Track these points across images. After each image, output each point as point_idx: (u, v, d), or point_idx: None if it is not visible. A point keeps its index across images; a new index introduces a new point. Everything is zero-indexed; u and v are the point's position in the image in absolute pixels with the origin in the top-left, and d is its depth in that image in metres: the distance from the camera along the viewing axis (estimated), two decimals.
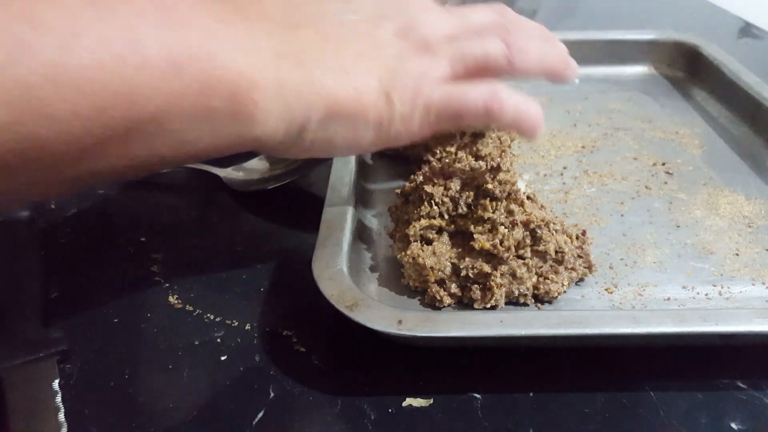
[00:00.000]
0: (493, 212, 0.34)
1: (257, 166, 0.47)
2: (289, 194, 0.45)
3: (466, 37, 0.34)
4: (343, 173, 0.40)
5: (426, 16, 0.34)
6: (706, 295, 0.35)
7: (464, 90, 0.32)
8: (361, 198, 0.42)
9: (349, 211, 0.37)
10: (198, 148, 0.28)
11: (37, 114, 0.22)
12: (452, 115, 0.32)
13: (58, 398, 0.30)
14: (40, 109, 0.22)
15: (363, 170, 0.45)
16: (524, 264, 0.34)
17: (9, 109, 0.22)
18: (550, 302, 0.34)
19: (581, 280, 0.36)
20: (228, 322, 0.34)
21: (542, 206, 0.37)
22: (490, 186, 0.34)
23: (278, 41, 0.29)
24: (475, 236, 0.34)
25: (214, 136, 0.28)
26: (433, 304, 0.34)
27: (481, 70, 0.34)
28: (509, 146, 0.47)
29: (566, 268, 0.35)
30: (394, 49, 0.32)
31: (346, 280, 0.32)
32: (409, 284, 0.35)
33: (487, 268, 0.33)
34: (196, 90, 0.26)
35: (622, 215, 0.42)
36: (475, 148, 0.45)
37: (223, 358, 0.32)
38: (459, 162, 0.41)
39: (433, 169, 0.37)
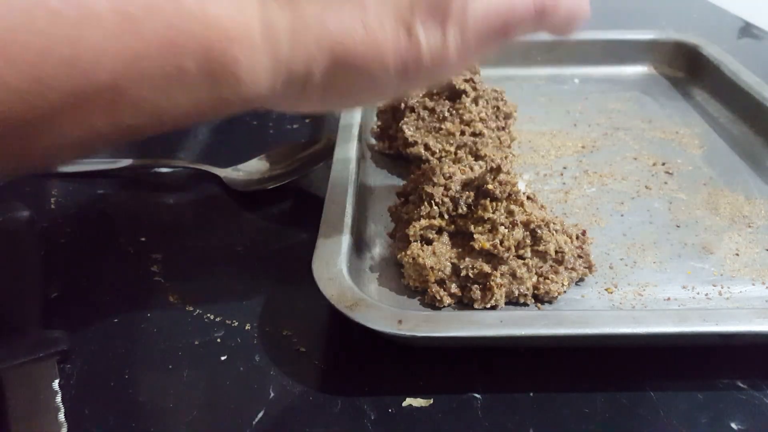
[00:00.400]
0: (493, 212, 0.34)
1: (257, 166, 0.47)
2: (289, 194, 0.45)
3: None
4: (343, 173, 0.40)
5: None
6: (706, 295, 0.35)
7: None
8: (361, 198, 0.42)
9: (349, 211, 0.37)
10: (177, 114, 0.23)
11: None
12: (498, 28, 0.27)
13: (58, 398, 0.30)
14: None
15: (363, 170, 0.45)
16: (524, 264, 0.34)
17: None
18: (550, 302, 0.34)
19: (581, 280, 0.36)
20: (228, 322, 0.34)
21: (542, 206, 0.37)
22: (490, 186, 0.34)
23: None
24: (475, 236, 0.34)
25: (193, 101, 0.23)
26: (433, 304, 0.34)
27: None
28: (509, 146, 0.47)
29: (566, 268, 0.35)
30: None
31: (346, 280, 0.32)
32: (409, 284, 0.35)
33: (487, 268, 0.33)
34: (159, 48, 0.21)
35: (622, 215, 0.42)
36: (475, 148, 0.45)
37: (223, 358, 0.32)
38: (459, 162, 0.41)
39: (432, 169, 0.37)
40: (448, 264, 0.34)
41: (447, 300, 0.34)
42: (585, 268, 0.36)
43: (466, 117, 0.45)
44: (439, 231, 0.36)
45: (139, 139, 0.24)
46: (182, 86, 0.22)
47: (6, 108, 0.19)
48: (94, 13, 0.20)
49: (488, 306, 0.33)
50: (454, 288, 0.34)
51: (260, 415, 0.29)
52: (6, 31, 0.19)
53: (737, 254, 0.38)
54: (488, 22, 0.27)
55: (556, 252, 0.34)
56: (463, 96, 0.46)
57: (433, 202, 0.35)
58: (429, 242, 0.35)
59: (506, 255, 0.33)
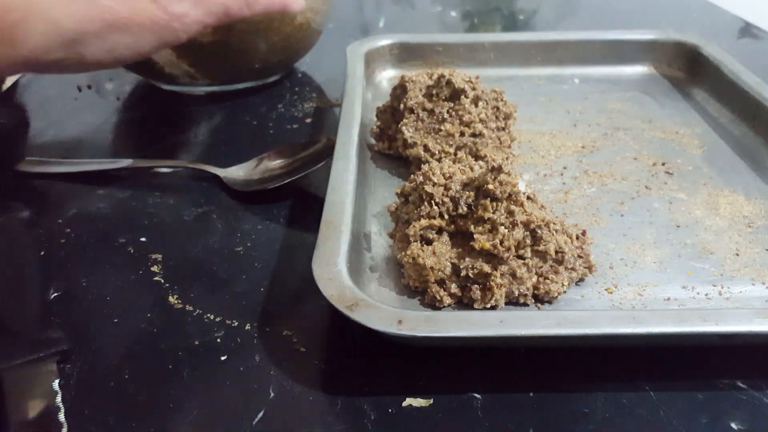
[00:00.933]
0: (494, 212, 0.34)
1: (257, 166, 0.47)
2: (289, 194, 0.45)
3: None
4: (343, 173, 0.40)
5: None
6: (706, 295, 0.35)
7: None
8: (361, 198, 0.42)
9: (349, 211, 0.37)
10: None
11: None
12: (220, 10, 0.41)
13: (58, 398, 0.30)
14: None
15: (363, 170, 0.45)
16: (524, 264, 0.34)
17: None
18: (550, 302, 0.34)
19: (581, 280, 0.36)
20: (228, 322, 0.34)
21: (542, 206, 0.37)
22: (490, 186, 0.34)
23: None
24: (475, 236, 0.34)
25: None
26: (433, 304, 0.34)
27: None
28: (509, 146, 0.48)
29: (566, 268, 0.35)
30: None
31: (346, 280, 0.32)
32: (409, 284, 0.35)
33: (487, 268, 0.33)
34: None
35: (622, 215, 0.42)
36: (475, 149, 0.45)
37: (223, 358, 0.32)
38: (459, 162, 0.41)
39: (432, 169, 0.37)
40: (448, 264, 0.34)
41: (447, 300, 0.34)
42: (585, 268, 0.36)
43: (466, 118, 0.45)
44: (439, 231, 0.36)
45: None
46: None
47: None
48: None
49: (488, 306, 0.33)
50: (454, 288, 0.34)
51: (260, 415, 0.29)
52: None
53: (737, 254, 0.38)
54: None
55: (556, 252, 0.34)
56: (463, 97, 0.46)
57: (433, 202, 0.35)
58: (429, 242, 0.35)
59: (506, 255, 0.33)
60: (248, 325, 0.34)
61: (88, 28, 0.35)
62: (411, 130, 0.46)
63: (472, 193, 0.35)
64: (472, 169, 0.37)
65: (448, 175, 0.36)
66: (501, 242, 0.33)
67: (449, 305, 0.34)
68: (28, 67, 0.37)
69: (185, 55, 0.55)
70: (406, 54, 0.63)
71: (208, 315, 0.35)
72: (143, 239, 0.41)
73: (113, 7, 0.36)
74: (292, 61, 0.64)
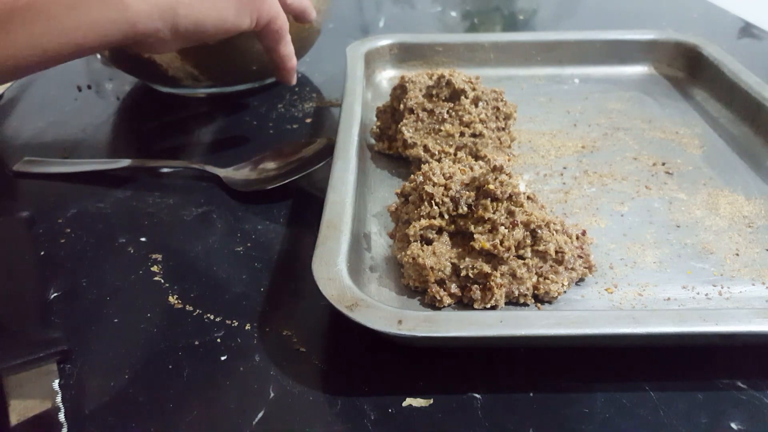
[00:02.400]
0: (494, 212, 0.34)
1: (257, 166, 0.47)
2: (289, 194, 0.45)
3: None
4: (343, 173, 0.40)
5: None
6: (706, 295, 0.35)
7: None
8: (361, 198, 0.42)
9: (349, 211, 0.37)
10: (79, 36, 0.33)
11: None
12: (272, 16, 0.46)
13: (58, 398, 0.30)
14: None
15: (363, 170, 0.45)
16: (524, 264, 0.34)
17: None
18: (550, 302, 0.34)
19: (581, 280, 0.36)
20: (228, 322, 0.34)
21: (542, 206, 0.37)
22: (491, 186, 0.34)
23: None
24: (475, 236, 0.34)
25: (91, 23, 0.33)
26: (433, 304, 0.34)
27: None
28: (509, 147, 0.48)
29: (566, 268, 0.35)
30: None
31: (346, 280, 0.32)
32: (409, 284, 0.35)
33: (487, 268, 0.33)
34: None
35: (622, 215, 0.42)
36: (475, 149, 0.45)
37: (223, 358, 0.32)
38: (459, 162, 0.41)
39: (432, 169, 0.37)
40: (448, 264, 0.34)
41: (447, 300, 0.34)
42: (585, 268, 0.36)
43: (466, 118, 0.45)
44: (439, 231, 0.36)
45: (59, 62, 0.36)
46: (81, 7, 0.32)
47: None
48: None
49: (488, 306, 0.33)
50: (454, 288, 0.34)
51: (260, 415, 0.29)
52: None
53: (737, 254, 0.38)
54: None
55: (556, 252, 0.34)
56: (463, 97, 0.46)
57: (433, 202, 0.35)
58: (429, 242, 0.35)
59: (506, 255, 0.33)
60: (248, 325, 0.34)
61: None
62: (411, 131, 0.46)
63: (472, 193, 0.35)
64: (472, 169, 0.37)
65: (448, 175, 0.36)
66: (501, 242, 0.33)
67: (449, 305, 0.34)
68: (134, 37, 0.38)
69: (188, 57, 0.55)
70: (406, 54, 0.63)
71: (208, 315, 0.35)
72: (143, 239, 0.41)
73: None
74: None
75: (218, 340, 0.33)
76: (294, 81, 0.51)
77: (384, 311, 0.30)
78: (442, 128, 0.45)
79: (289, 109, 0.59)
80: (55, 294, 0.36)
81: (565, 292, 0.35)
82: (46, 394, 0.30)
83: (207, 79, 0.58)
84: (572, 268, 0.35)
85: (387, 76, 0.63)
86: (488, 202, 0.34)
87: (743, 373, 0.31)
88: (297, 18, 0.52)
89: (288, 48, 0.48)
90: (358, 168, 0.42)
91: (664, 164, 0.47)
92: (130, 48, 0.41)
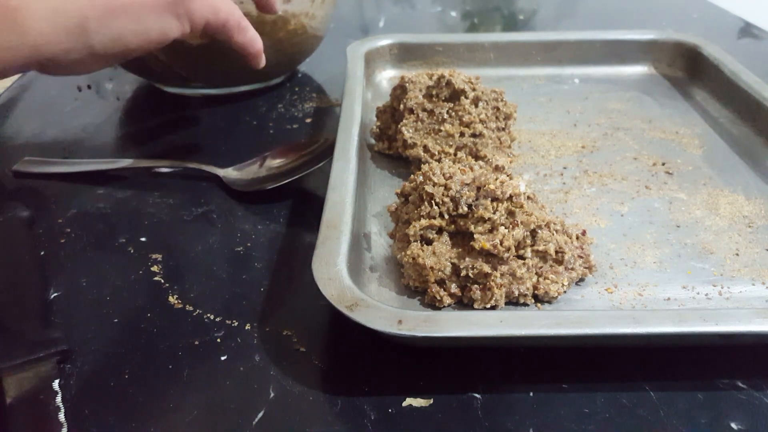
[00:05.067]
0: (494, 212, 0.34)
1: (257, 166, 0.47)
2: (289, 194, 0.45)
3: None
4: (343, 173, 0.40)
5: None
6: (706, 295, 0.35)
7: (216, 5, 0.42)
8: (361, 198, 0.42)
9: (349, 211, 0.37)
10: None
11: None
12: (210, 17, 0.42)
13: (58, 398, 0.30)
14: None
15: (363, 170, 0.45)
16: (524, 264, 0.34)
17: None
18: (550, 302, 0.34)
19: (581, 280, 0.36)
20: (228, 322, 0.34)
21: (542, 206, 0.37)
22: (491, 186, 0.34)
23: None
24: (475, 236, 0.34)
25: None
26: (433, 304, 0.34)
27: None
28: (509, 147, 0.47)
29: (566, 268, 0.35)
30: None
31: (346, 280, 0.32)
32: (409, 284, 0.35)
33: (487, 268, 0.33)
34: None
35: (622, 215, 0.42)
36: (475, 149, 0.45)
37: (223, 358, 0.32)
38: (459, 162, 0.41)
39: (432, 169, 0.37)
40: (448, 264, 0.34)
41: (447, 300, 0.34)
42: (585, 268, 0.36)
43: (466, 118, 0.45)
44: (439, 231, 0.36)
45: None
46: None
47: None
48: None
49: (488, 306, 0.33)
50: (454, 288, 0.34)
51: (260, 415, 0.29)
52: None
53: (737, 254, 0.38)
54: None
55: (556, 252, 0.34)
56: (462, 97, 0.46)
57: (433, 202, 0.35)
58: (429, 242, 0.35)
59: (506, 255, 0.33)
60: (248, 325, 0.34)
61: (90, 13, 0.34)
62: (411, 131, 0.46)
63: (472, 193, 0.35)
64: (472, 169, 0.37)
65: (448, 175, 0.36)
66: (501, 242, 0.33)
67: (449, 305, 0.34)
68: (40, 61, 0.35)
69: (178, 58, 0.54)
70: (406, 54, 0.63)
71: (208, 315, 0.35)
72: (143, 239, 0.41)
73: None
74: (292, 65, 0.64)
75: (218, 340, 0.33)
76: (262, 64, 0.47)
77: (384, 311, 0.30)
78: (442, 128, 0.45)
79: (289, 109, 0.59)
80: (55, 294, 0.36)
81: (565, 292, 0.35)
82: (46, 394, 0.30)
83: (197, 81, 0.58)
84: (572, 268, 0.35)
85: (387, 76, 0.63)
86: (488, 202, 0.34)
87: (743, 373, 0.31)
88: (259, 7, 0.47)
89: (245, 36, 0.44)
90: (358, 168, 0.42)
91: (664, 164, 0.47)
92: (46, 71, 0.38)
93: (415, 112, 0.46)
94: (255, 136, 0.54)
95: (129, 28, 0.37)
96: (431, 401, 0.30)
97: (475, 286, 0.33)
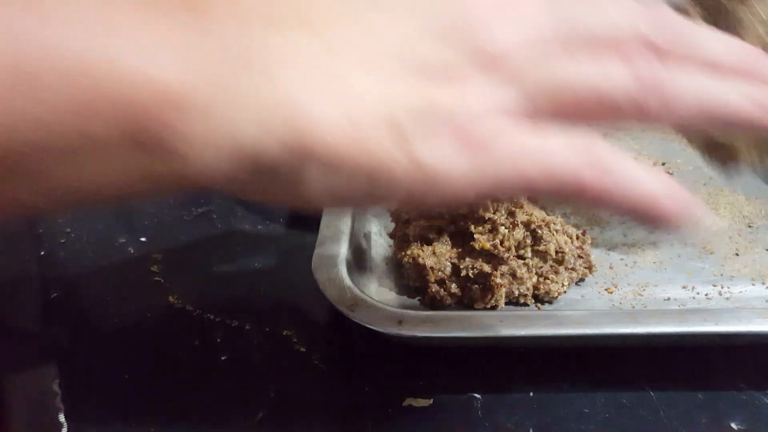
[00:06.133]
0: (494, 212, 0.34)
1: None
2: None
3: (568, 52, 0.20)
4: None
5: (498, 8, 0.20)
6: (706, 295, 0.35)
7: (542, 145, 0.20)
8: None
9: (349, 211, 0.37)
10: (100, 190, 0.19)
11: None
12: (519, 181, 0.19)
13: (58, 398, 0.30)
14: None
15: None
16: (524, 264, 0.34)
17: None
18: (550, 302, 0.34)
19: (581, 280, 0.36)
20: (228, 322, 0.34)
21: (542, 206, 0.37)
22: None
23: (236, 39, 0.18)
24: (475, 236, 0.34)
25: (118, 175, 0.18)
26: (433, 304, 0.34)
27: (580, 110, 0.21)
28: None
29: (566, 268, 0.35)
30: (430, 58, 0.19)
31: (346, 280, 0.31)
32: (409, 284, 0.35)
33: (487, 268, 0.33)
34: (67, 115, 0.17)
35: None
36: None
37: (223, 358, 0.32)
38: None
39: None
40: (448, 264, 0.34)
41: (447, 300, 0.34)
42: (585, 268, 0.35)
43: None
44: (439, 231, 0.36)
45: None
46: (98, 157, 0.18)
47: None
48: (6, 66, 0.16)
49: (488, 306, 0.33)
50: (454, 288, 0.34)
51: (260, 415, 0.29)
52: None
53: (737, 254, 0.38)
54: (508, 169, 0.19)
55: (556, 252, 0.34)
56: None
57: None
58: (429, 242, 0.35)
59: (506, 255, 0.33)
60: (248, 325, 0.34)
61: (275, 152, 0.18)
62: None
63: None
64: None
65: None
66: (501, 242, 0.33)
67: (449, 305, 0.34)
68: (202, 187, 0.20)
69: None
70: None
71: (208, 315, 0.35)
72: (143, 239, 0.41)
73: (325, 127, 0.18)
74: None
75: (218, 340, 0.33)
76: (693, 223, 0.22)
77: (384, 311, 0.30)
78: None
79: None
80: (55, 294, 0.36)
81: (565, 292, 0.35)
82: (46, 394, 0.30)
83: None
84: (572, 268, 0.35)
85: None
86: (488, 201, 0.34)
87: (743, 373, 0.31)
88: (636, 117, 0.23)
89: (633, 177, 0.21)
90: None
91: (664, 164, 0.47)
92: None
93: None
94: None
95: (324, 184, 0.19)
96: (431, 401, 0.30)
97: (475, 286, 0.33)
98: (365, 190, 0.19)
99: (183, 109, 0.17)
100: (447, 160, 0.19)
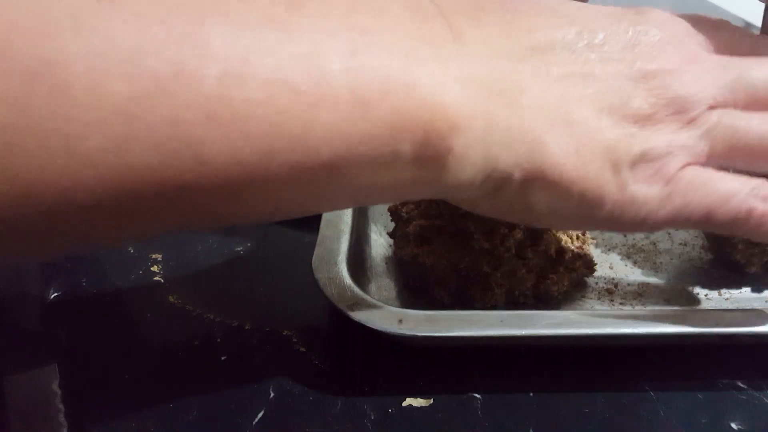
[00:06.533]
0: None
1: None
2: None
3: (741, 105, 0.25)
4: None
5: (688, 67, 0.24)
6: (706, 295, 0.35)
7: (721, 180, 0.24)
8: None
9: (349, 211, 0.37)
10: (371, 196, 0.23)
11: (187, 158, 0.18)
12: (698, 210, 0.24)
13: (58, 399, 0.30)
14: (193, 152, 0.18)
15: None
16: (524, 264, 0.34)
17: (155, 151, 0.17)
18: (550, 302, 0.34)
19: (581, 280, 0.36)
20: (228, 322, 0.34)
21: None
22: None
23: (494, 73, 0.23)
24: (475, 236, 0.34)
25: (393, 184, 0.22)
26: (433, 304, 0.34)
27: (751, 158, 0.25)
28: None
29: (566, 268, 0.35)
30: (638, 105, 0.24)
31: (346, 280, 0.32)
32: (409, 284, 0.35)
33: (487, 268, 0.33)
34: (384, 134, 0.20)
35: None
36: None
37: (223, 358, 0.32)
38: None
39: None
40: (448, 264, 0.34)
41: (447, 300, 0.34)
42: (585, 268, 0.35)
43: None
44: (439, 230, 0.35)
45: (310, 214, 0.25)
46: (390, 169, 0.21)
47: (225, 178, 0.19)
48: (331, 94, 0.19)
49: (488, 306, 0.33)
50: (454, 288, 0.34)
51: (260, 415, 0.29)
52: (244, 102, 0.18)
53: None
54: (692, 199, 0.24)
55: (557, 252, 0.34)
56: None
57: (433, 201, 0.35)
58: (429, 242, 0.35)
59: (506, 255, 0.33)
60: (248, 325, 0.34)
61: (513, 172, 0.23)
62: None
63: None
64: None
65: None
66: (501, 242, 0.33)
67: (449, 305, 0.34)
68: (431, 195, 0.25)
69: None
70: None
71: (208, 315, 0.35)
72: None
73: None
74: None
75: (218, 340, 0.33)
76: None
77: (384, 311, 0.30)
78: None
79: None
80: (55, 294, 0.36)
81: (565, 292, 0.35)
82: (46, 394, 0.30)
83: None
84: (572, 268, 0.35)
85: None
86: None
87: (743, 373, 0.31)
88: None
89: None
90: None
91: None
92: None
93: None
94: None
95: (546, 204, 0.24)
96: (431, 401, 0.30)
97: (475, 286, 0.33)
98: (578, 209, 0.24)
99: (461, 131, 0.21)
100: (645, 188, 0.24)
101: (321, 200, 0.23)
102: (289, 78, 0.19)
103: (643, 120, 0.24)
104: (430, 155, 0.21)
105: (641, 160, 0.23)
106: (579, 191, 0.23)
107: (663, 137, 0.24)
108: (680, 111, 0.24)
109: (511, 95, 0.22)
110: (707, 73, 0.25)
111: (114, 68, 0.17)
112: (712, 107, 0.25)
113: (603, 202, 0.24)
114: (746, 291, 0.35)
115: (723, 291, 0.35)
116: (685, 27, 0.25)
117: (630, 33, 0.24)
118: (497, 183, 0.23)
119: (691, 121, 0.24)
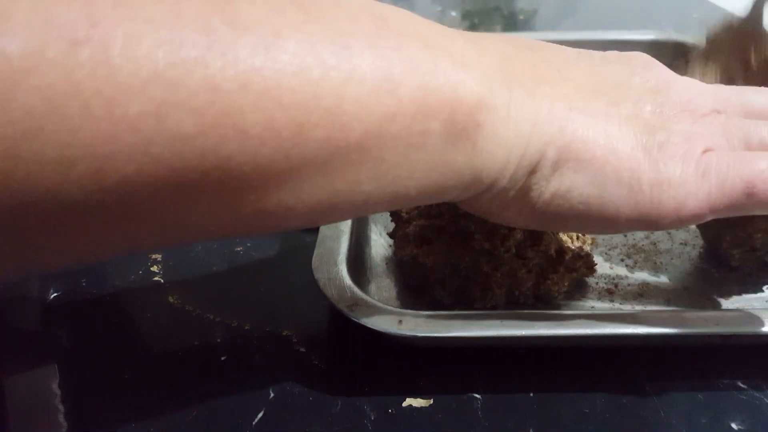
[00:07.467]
0: None
1: None
2: None
3: (742, 115, 0.27)
4: None
5: (687, 85, 0.27)
6: (706, 295, 0.35)
7: (754, 156, 0.24)
8: None
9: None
10: (408, 186, 0.23)
11: (225, 126, 0.18)
12: (738, 186, 0.24)
13: (58, 399, 0.30)
14: (230, 120, 0.18)
15: None
16: (524, 264, 0.34)
17: (194, 118, 0.18)
18: (550, 302, 0.34)
19: (581, 280, 0.36)
20: (228, 322, 0.34)
21: None
22: None
23: (513, 63, 0.24)
24: (475, 236, 0.34)
25: (427, 169, 0.22)
26: (433, 304, 0.34)
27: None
28: None
29: (566, 268, 0.35)
30: (651, 107, 0.26)
31: (346, 280, 0.32)
32: (409, 284, 0.35)
33: (487, 268, 0.33)
34: (412, 111, 0.21)
35: None
36: None
37: (223, 358, 0.32)
38: None
39: None
40: (448, 264, 0.34)
41: (447, 300, 0.34)
42: (585, 268, 0.35)
43: None
44: (439, 230, 0.35)
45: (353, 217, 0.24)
46: (422, 149, 0.22)
47: (262, 151, 0.19)
48: (360, 70, 0.20)
49: (488, 306, 0.33)
50: (454, 288, 0.34)
51: (260, 415, 0.29)
52: (277, 72, 0.19)
53: None
54: (732, 176, 0.24)
55: (556, 252, 0.34)
56: None
57: None
58: (429, 242, 0.35)
59: (506, 255, 0.33)
60: (248, 325, 0.34)
61: (544, 150, 0.24)
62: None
63: None
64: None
65: None
66: (501, 242, 0.33)
67: (449, 305, 0.34)
68: (464, 190, 0.24)
69: None
70: None
71: (208, 315, 0.35)
72: None
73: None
74: None
75: (218, 340, 0.33)
76: None
77: (384, 311, 0.30)
78: None
79: None
80: (55, 294, 0.36)
81: (565, 292, 0.35)
82: (46, 395, 0.30)
83: None
84: (572, 268, 0.35)
85: None
86: None
87: (743, 373, 0.31)
88: None
89: None
90: None
91: None
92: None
93: None
94: None
95: (581, 190, 0.24)
96: (431, 401, 0.30)
97: (475, 286, 0.33)
98: (615, 191, 0.24)
99: (488, 107, 0.22)
100: (680, 167, 0.24)
101: (355, 192, 0.22)
102: (318, 51, 0.20)
103: (658, 117, 0.26)
104: (459, 131, 0.22)
105: (667, 142, 0.24)
106: (614, 171, 0.24)
107: (682, 127, 0.25)
108: (688, 110, 0.26)
109: (532, 84, 0.24)
110: (704, 87, 0.28)
111: (151, 35, 0.17)
112: (717, 111, 0.27)
113: (640, 182, 0.24)
114: (746, 291, 0.35)
115: (723, 291, 0.35)
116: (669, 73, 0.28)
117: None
118: (529, 167, 0.24)
119: (702, 117, 0.26)
